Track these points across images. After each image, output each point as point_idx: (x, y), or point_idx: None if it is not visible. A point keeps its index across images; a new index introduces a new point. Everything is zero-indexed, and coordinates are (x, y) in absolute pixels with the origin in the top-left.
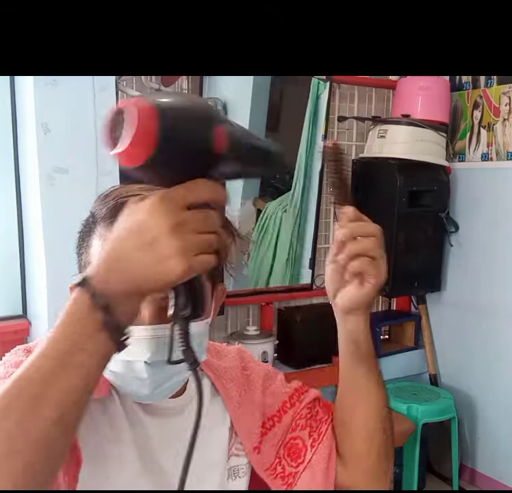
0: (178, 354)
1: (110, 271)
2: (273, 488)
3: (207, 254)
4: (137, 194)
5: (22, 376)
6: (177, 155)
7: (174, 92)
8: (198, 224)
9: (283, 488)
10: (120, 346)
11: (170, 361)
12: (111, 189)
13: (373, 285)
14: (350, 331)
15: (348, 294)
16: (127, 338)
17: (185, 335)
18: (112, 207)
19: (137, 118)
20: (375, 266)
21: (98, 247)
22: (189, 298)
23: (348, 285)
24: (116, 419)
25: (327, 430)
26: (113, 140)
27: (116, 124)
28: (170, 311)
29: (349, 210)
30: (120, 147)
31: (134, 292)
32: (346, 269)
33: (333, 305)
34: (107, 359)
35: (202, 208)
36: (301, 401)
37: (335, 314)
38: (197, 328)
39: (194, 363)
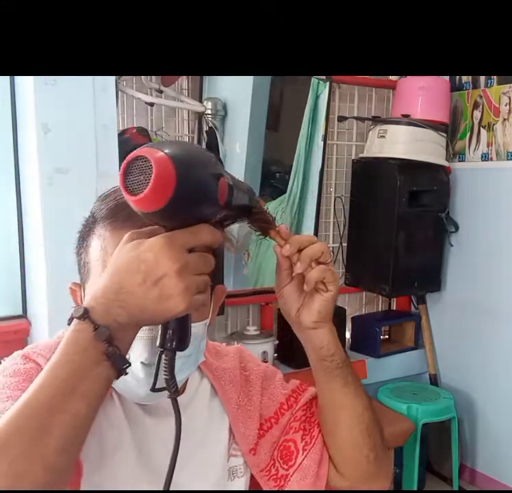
0: (161, 382)
1: (112, 303)
2: (265, 489)
3: (202, 293)
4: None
5: (25, 404)
6: (188, 203)
7: (177, 141)
8: (199, 266)
9: (274, 490)
10: (121, 372)
11: (153, 389)
12: (112, 189)
13: (334, 292)
14: (321, 347)
15: (313, 307)
16: (129, 365)
17: (171, 366)
18: (113, 207)
19: (156, 167)
20: (331, 271)
21: (97, 247)
22: (178, 331)
23: (309, 299)
24: (115, 420)
25: (319, 433)
26: (126, 186)
27: (130, 171)
28: (158, 341)
29: (281, 228)
30: (137, 194)
31: (133, 324)
32: (302, 284)
33: (294, 326)
34: (108, 385)
35: (201, 251)
36: (298, 402)
37: (300, 335)
38: (196, 329)
39: (175, 393)
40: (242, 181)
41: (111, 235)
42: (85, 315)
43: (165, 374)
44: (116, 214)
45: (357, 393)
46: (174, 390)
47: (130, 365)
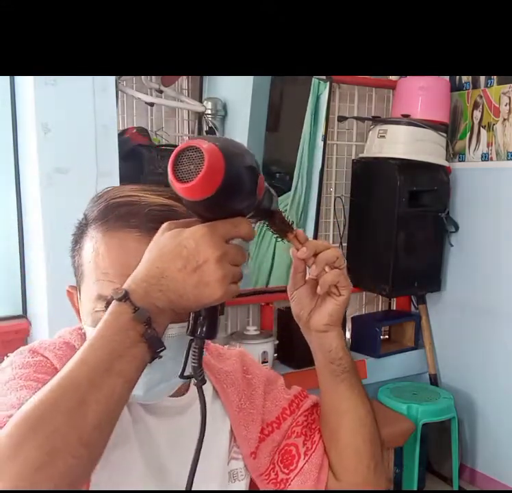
0: (189, 369)
1: (152, 286)
2: None
3: (236, 283)
4: (128, 195)
5: (63, 380)
6: (233, 194)
7: (224, 137)
8: (236, 256)
9: (278, 490)
10: (156, 355)
11: (182, 376)
12: (104, 190)
13: (346, 296)
14: (329, 350)
15: (324, 310)
16: (164, 348)
17: (200, 354)
18: (103, 209)
19: (207, 157)
20: (345, 276)
21: (89, 249)
22: (209, 319)
23: (321, 302)
24: (120, 423)
25: (320, 439)
26: (176, 175)
27: (180, 160)
28: (188, 329)
29: (299, 232)
30: (187, 182)
31: (170, 308)
32: (315, 287)
33: (304, 329)
34: (143, 367)
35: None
36: (299, 407)
37: (309, 337)
38: None
39: (201, 380)
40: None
41: (102, 237)
42: (125, 297)
43: (193, 362)
44: (107, 215)
45: (361, 398)
46: (201, 378)
47: (165, 348)
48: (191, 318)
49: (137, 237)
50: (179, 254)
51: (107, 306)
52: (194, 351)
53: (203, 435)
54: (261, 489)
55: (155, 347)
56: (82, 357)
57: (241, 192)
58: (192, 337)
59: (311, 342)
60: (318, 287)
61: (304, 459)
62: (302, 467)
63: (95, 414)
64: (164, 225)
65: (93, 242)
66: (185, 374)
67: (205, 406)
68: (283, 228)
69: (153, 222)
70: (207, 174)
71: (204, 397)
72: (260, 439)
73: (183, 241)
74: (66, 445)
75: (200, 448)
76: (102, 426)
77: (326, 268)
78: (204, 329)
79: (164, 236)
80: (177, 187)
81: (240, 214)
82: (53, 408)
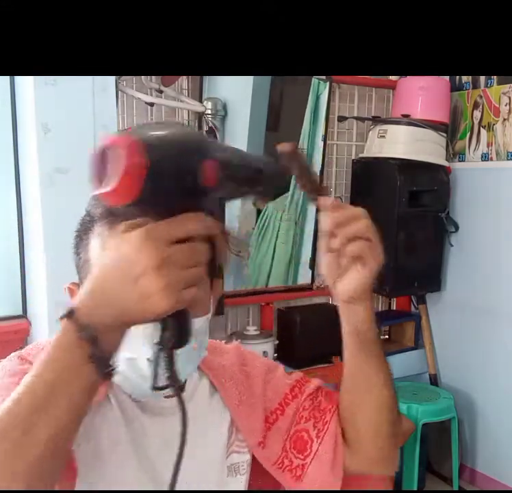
0: (163, 380)
1: (96, 303)
2: (282, 482)
3: (192, 287)
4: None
5: (12, 406)
6: (165, 192)
7: (163, 123)
8: (184, 259)
9: (292, 481)
10: (106, 376)
11: (154, 387)
12: None
13: (372, 267)
14: (353, 321)
15: (349, 280)
16: (113, 369)
17: (171, 363)
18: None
19: (124, 155)
20: (372, 247)
21: (96, 245)
22: (176, 327)
23: (346, 272)
24: (113, 423)
25: (332, 419)
26: (99, 179)
27: (101, 162)
28: (156, 339)
29: (329, 200)
30: (108, 186)
31: (118, 324)
32: (343, 255)
33: (334, 295)
34: (94, 389)
35: (190, 241)
36: (303, 392)
37: (338, 306)
38: (197, 325)
39: (179, 389)
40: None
41: (109, 234)
42: (71, 315)
43: (166, 372)
44: (113, 212)
45: (385, 376)
46: (178, 387)
47: (114, 369)
48: (158, 327)
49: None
50: (118, 266)
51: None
52: (165, 361)
53: (184, 441)
54: (277, 477)
55: (102, 368)
56: (29, 381)
57: (175, 188)
58: (160, 347)
59: (339, 308)
60: (341, 258)
61: (317, 442)
62: (317, 450)
63: (42, 442)
64: (122, 227)
65: (100, 239)
66: (157, 385)
67: (186, 414)
68: (314, 190)
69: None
70: (127, 174)
71: (184, 406)
72: (266, 428)
73: (121, 251)
74: (14, 473)
75: (182, 452)
76: (51, 453)
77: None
78: (172, 339)
79: (109, 245)
80: (99, 193)
81: (190, 208)
82: (1, 435)
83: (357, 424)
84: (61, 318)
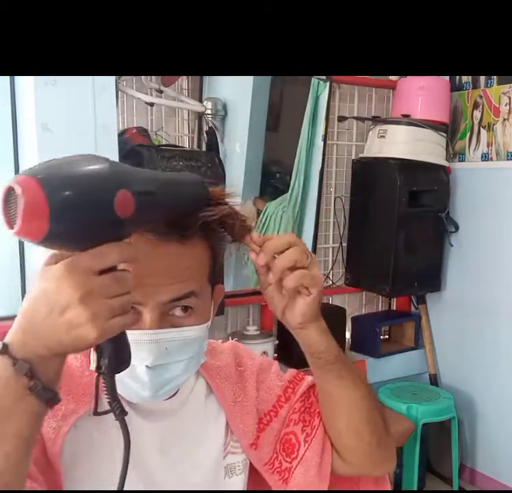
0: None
1: (26, 336)
2: (270, 483)
3: (120, 316)
4: None
5: None
6: (73, 228)
7: (72, 158)
8: (108, 289)
9: (279, 483)
10: (50, 404)
11: (95, 413)
12: None
13: (315, 295)
14: (309, 345)
15: (296, 310)
16: (56, 395)
17: (111, 388)
18: None
19: (22, 195)
20: (310, 276)
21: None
22: (112, 353)
23: (291, 302)
24: (106, 426)
25: (320, 422)
26: (8, 219)
27: (9, 202)
28: (93, 365)
29: (254, 235)
30: (15, 226)
31: (51, 355)
32: (282, 288)
33: (284, 324)
34: (40, 419)
35: (112, 271)
36: (295, 393)
37: (292, 332)
38: (197, 332)
39: (120, 414)
40: (193, 174)
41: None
42: (3, 350)
43: (107, 397)
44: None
45: (353, 385)
46: (119, 412)
47: (57, 396)
48: (95, 354)
49: (152, 242)
50: (43, 299)
51: None
52: (104, 386)
53: (127, 465)
54: (266, 478)
55: (44, 397)
56: None
57: (86, 222)
58: (97, 373)
59: (294, 335)
60: (283, 290)
61: (304, 446)
62: (304, 454)
63: None
64: (46, 258)
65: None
66: (98, 410)
67: (129, 438)
68: (237, 230)
69: (168, 226)
70: (28, 216)
71: (128, 431)
72: (259, 429)
73: (45, 284)
74: None
75: (127, 462)
76: (6, 487)
77: (287, 271)
78: (110, 364)
79: (37, 277)
80: (10, 234)
81: (110, 240)
82: None
83: (339, 432)
84: None
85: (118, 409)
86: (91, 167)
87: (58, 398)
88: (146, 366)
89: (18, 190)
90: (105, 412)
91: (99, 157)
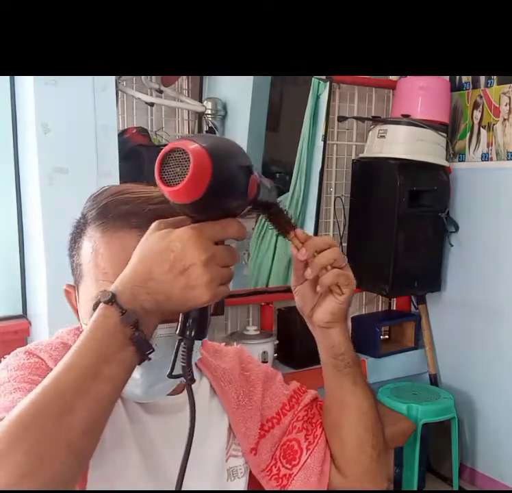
0: (178, 369)
1: (139, 289)
2: (267, 489)
3: (225, 285)
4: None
5: (50, 386)
6: (221, 196)
7: (215, 136)
8: (225, 258)
9: (277, 489)
10: (144, 357)
11: (170, 375)
12: (102, 189)
13: (348, 294)
14: (332, 346)
15: (326, 308)
16: (153, 351)
17: (189, 354)
18: (102, 208)
19: (193, 161)
20: (345, 275)
21: (88, 249)
22: (199, 320)
23: (323, 300)
24: (117, 422)
25: (322, 433)
26: (162, 177)
27: (166, 162)
28: (178, 330)
29: (298, 232)
30: (174, 185)
31: (158, 310)
32: (316, 285)
33: (309, 324)
34: (132, 370)
35: (227, 244)
36: (299, 403)
37: (313, 331)
38: None
39: (191, 380)
40: (266, 178)
41: (101, 236)
42: (112, 299)
43: (182, 362)
44: (106, 215)
45: (365, 392)
46: (191, 378)
47: (154, 350)
48: (180, 319)
49: (137, 237)
50: (166, 257)
51: (94, 308)
52: (183, 351)
53: (192, 434)
54: (263, 484)
55: (143, 350)
56: (69, 362)
57: (230, 194)
58: (180, 338)
59: (315, 336)
60: (318, 286)
61: (306, 453)
62: (306, 461)
63: (83, 420)
64: (153, 224)
65: (92, 241)
66: (173, 373)
67: (194, 405)
68: (283, 226)
69: (153, 222)
70: (194, 178)
71: (193, 397)
72: (260, 435)
73: (170, 243)
74: (53, 451)
75: (190, 446)
76: (90, 431)
77: (326, 268)
78: (193, 330)
79: (152, 237)
80: (164, 190)
81: (231, 215)
82: (40, 414)
83: (342, 441)
84: (101, 302)
85: (190, 374)
86: (238, 147)
87: (152, 352)
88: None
89: (189, 155)
90: (178, 376)
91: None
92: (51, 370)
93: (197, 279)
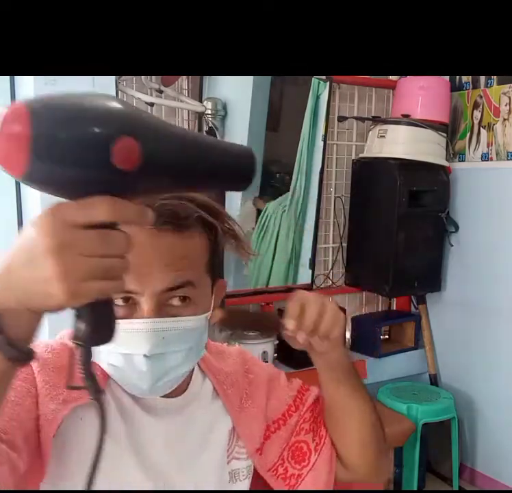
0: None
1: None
2: (274, 488)
3: (101, 280)
4: None
5: None
6: (60, 167)
7: (85, 93)
8: (91, 246)
9: (285, 489)
10: (16, 363)
11: (68, 386)
12: None
13: (338, 335)
14: (328, 363)
15: (323, 345)
16: (22, 355)
17: (85, 362)
18: None
19: (6, 123)
20: (336, 325)
21: None
22: (93, 323)
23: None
24: (110, 423)
25: (326, 432)
26: None
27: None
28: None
29: (289, 325)
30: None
31: (24, 309)
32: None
33: (308, 351)
34: (6, 377)
35: (104, 228)
36: (304, 403)
37: (310, 354)
38: (194, 322)
39: (96, 393)
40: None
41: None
42: None
43: (80, 372)
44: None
45: (365, 401)
46: (94, 390)
47: (23, 356)
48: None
49: (149, 232)
50: (23, 246)
51: None
52: (80, 359)
53: (101, 447)
54: (271, 484)
55: (10, 353)
56: None
57: (71, 169)
58: (74, 342)
59: (312, 356)
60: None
61: (315, 454)
62: (315, 462)
63: None
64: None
65: None
66: (73, 384)
67: (104, 421)
68: (273, 326)
69: (165, 216)
70: (8, 142)
71: (103, 411)
72: (265, 436)
73: (28, 230)
74: None
75: (100, 454)
76: None
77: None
78: (87, 335)
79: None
80: None
81: (104, 191)
82: None
83: (346, 446)
84: None
85: (93, 387)
86: (93, 103)
87: (25, 358)
88: (144, 355)
89: (4, 116)
90: (79, 387)
91: (115, 97)
92: (34, 374)
93: (45, 271)
